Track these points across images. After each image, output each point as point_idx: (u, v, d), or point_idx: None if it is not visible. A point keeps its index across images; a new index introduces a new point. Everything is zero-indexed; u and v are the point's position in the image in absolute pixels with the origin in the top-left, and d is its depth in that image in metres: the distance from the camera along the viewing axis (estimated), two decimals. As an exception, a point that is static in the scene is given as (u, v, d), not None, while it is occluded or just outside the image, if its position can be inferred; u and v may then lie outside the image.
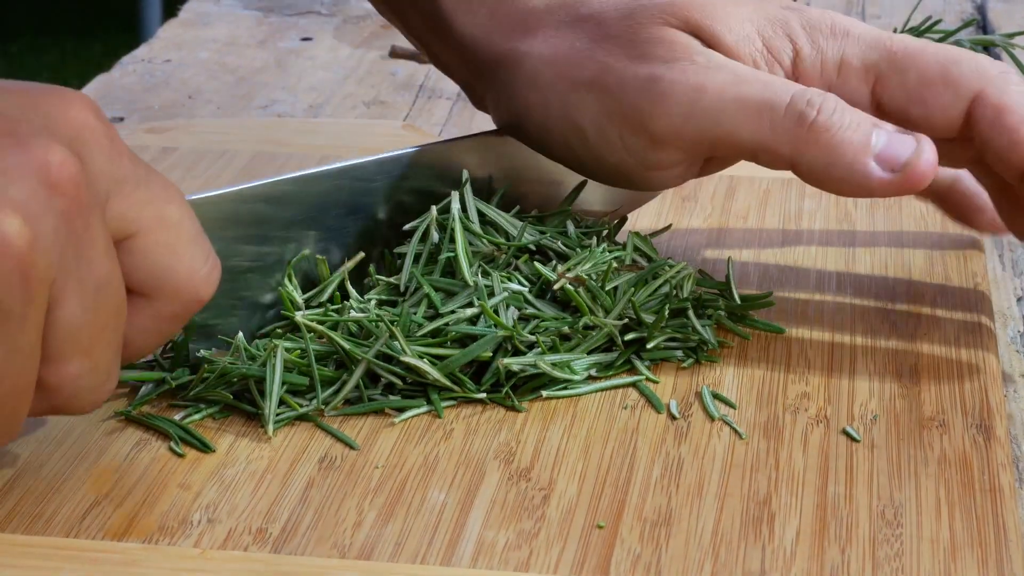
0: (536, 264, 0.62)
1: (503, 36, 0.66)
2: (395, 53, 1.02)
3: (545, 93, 0.64)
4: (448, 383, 0.59)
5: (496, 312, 0.60)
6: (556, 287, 0.61)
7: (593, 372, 0.61)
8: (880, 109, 0.61)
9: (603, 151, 0.63)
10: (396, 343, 0.58)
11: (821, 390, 0.60)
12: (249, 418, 0.58)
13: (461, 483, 0.54)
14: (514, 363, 0.59)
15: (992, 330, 0.65)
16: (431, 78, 0.98)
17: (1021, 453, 0.59)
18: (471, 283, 0.61)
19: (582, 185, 0.67)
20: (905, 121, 0.61)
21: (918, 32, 0.86)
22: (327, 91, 0.97)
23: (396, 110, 0.94)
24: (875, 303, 0.67)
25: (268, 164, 0.81)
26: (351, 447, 0.56)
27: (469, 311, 0.60)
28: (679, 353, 0.62)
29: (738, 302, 0.65)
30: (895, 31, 0.82)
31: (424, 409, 0.59)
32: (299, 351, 0.59)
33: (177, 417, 0.58)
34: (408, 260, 0.63)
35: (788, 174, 0.62)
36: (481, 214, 0.64)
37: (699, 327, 0.62)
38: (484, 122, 0.70)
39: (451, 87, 0.95)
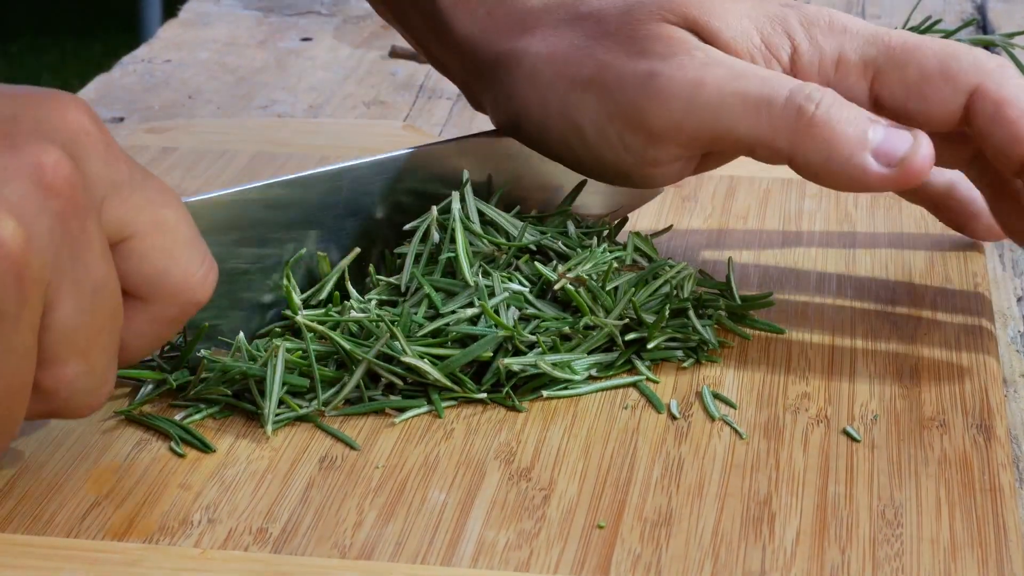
0: (537, 264, 0.62)
1: (502, 36, 0.66)
2: (395, 53, 1.02)
3: (544, 92, 0.64)
4: (448, 383, 0.59)
5: (497, 312, 0.60)
6: (557, 287, 0.61)
7: (593, 372, 0.61)
8: (878, 105, 0.61)
9: (602, 149, 0.63)
10: (397, 343, 0.58)
11: (821, 390, 0.60)
12: (249, 418, 0.58)
13: (461, 483, 0.54)
14: (515, 363, 0.59)
15: (992, 331, 0.65)
16: (431, 78, 0.98)
17: (1021, 453, 0.59)
18: (472, 283, 0.61)
19: (581, 184, 0.67)
20: (904, 116, 0.61)
21: (918, 32, 0.86)
22: (327, 91, 0.97)
23: (396, 110, 0.94)
24: (875, 304, 0.67)
25: (268, 164, 0.81)
26: (352, 447, 0.56)
27: (470, 311, 0.60)
28: (679, 353, 0.62)
29: (738, 302, 0.65)
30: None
31: (424, 409, 0.59)
32: (300, 351, 0.59)
33: (177, 417, 0.58)
34: (409, 260, 0.63)
35: (788, 174, 0.62)
36: (481, 214, 0.64)
37: (699, 327, 0.62)
38: (485, 123, 0.70)
39: (451, 87, 0.95)
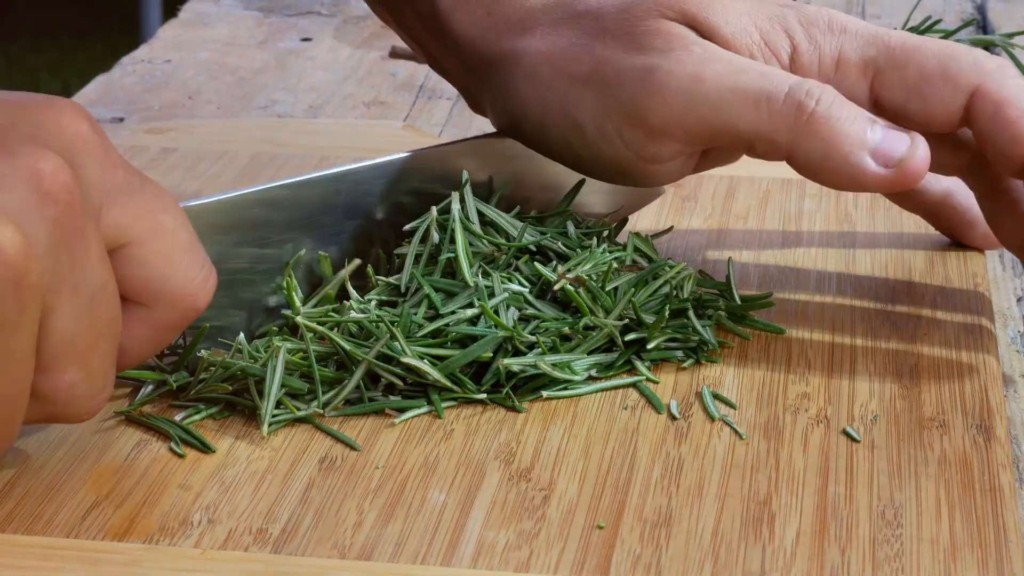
0: (536, 265, 0.62)
1: (500, 36, 0.66)
2: (395, 53, 1.02)
3: (543, 90, 0.64)
4: (448, 384, 0.59)
5: (496, 313, 0.60)
6: (556, 288, 0.61)
7: (593, 372, 0.61)
8: (878, 105, 0.61)
9: (601, 146, 0.63)
10: (396, 344, 0.58)
11: (821, 390, 0.60)
12: (249, 419, 0.58)
13: (461, 483, 0.54)
14: (514, 363, 0.59)
15: (992, 331, 0.65)
16: (431, 79, 0.98)
17: (1021, 453, 0.59)
18: (471, 284, 0.61)
19: (580, 184, 0.67)
20: (904, 117, 0.61)
21: (918, 32, 0.86)
22: (327, 91, 0.97)
23: (396, 110, 0.94)
24: (875, 303, 0.67)
25: (268, 165, 0.81)
26: (352, 447, 0.56)
27: (469, 312, 0.60)
28: (679, 353, 0.62)
29: (738, 302, 0.65)
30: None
31: (424, 410, 0.59)
32: (300, 352, 0.59)
33: (177, 418, 0.58)
34: (408, 261, 0.63)
35: (788, 174, 0.62)
36: (481, 215, 0.64)
37: (699, 327, 0.62)
38: (484, 124, 0.70)
39: (451, 88, 0.95)
